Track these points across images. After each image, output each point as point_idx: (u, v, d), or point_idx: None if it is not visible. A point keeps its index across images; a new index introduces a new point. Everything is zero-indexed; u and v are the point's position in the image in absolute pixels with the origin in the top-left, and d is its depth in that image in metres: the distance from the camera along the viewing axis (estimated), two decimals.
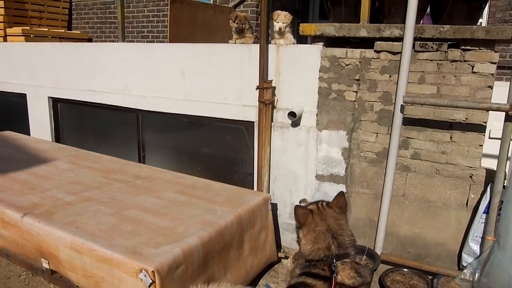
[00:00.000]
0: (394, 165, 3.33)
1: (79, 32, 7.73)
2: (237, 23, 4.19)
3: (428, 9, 3.83)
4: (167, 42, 5.21)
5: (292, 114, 3.60)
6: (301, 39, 3.95)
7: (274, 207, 3.88)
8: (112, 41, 7.30)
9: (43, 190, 3.47)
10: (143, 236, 2.73)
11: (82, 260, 2.65)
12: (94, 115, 5.35)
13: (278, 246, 3.86)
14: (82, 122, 5.60)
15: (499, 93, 3.61)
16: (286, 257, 3.69)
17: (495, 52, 3.10)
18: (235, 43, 4.20)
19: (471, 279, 2.95)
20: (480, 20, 6.26)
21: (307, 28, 3.64)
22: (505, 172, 2.88)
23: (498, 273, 2.78)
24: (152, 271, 2.34)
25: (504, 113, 2.90)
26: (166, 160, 4.76)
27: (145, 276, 2.36)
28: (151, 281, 2.34)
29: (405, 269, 3.28)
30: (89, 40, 7.51)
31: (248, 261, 3.23)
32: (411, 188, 3.38)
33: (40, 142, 5.06)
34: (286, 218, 3.90)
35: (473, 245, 3.09)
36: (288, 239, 3.92)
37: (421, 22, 4.13)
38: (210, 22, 5.63)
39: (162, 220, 2.99)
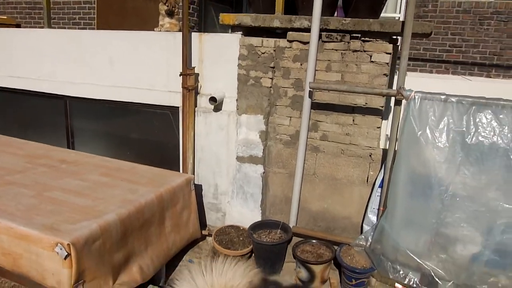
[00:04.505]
0: (304, 146, 3.65)
1: (6, 17, 7.42)
2: (167, 6, 4.30)
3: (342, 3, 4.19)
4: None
5: (213, 99, 3.82)
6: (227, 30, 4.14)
7: (199, 188, 4.10)
8: (42, 27, 7.10)
9: None
10: (63, 215, 2.84)
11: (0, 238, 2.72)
12: (21, 102, 5.26)
13: (204, 224, 4.09)
14: (7, 110, 5.48)
15: (418, 83, 3.93)
16: (210, 235, 3.92)
17: (390, 43, 3.46)
18: (160, 30, 4.33)
19: (365, 244, 3.35)
20: (398, 15, 6.79)
21: (226, 18, 3.85)
22: (395, 151, 3.27)
23: (386, 239, 3.18)
24: (68, 244, 2.46)
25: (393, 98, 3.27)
26: (95, 146, 4.82)
27: (60, 249, 2.48)
28: (66, 253, 2.47)
29: (314, 240, 3.63)
30: (17, 26, 7.24)
31: (170, 238, 3.42)
32: (320, 167, 3.72)
33: None
34: (210, 198, 4.14)
35: (372, 216, 3.48)
36: (213, 217, 4.16)
37: (335, 14, 4.49)
38: (141, 10, 5.69)
39: (84, 200, 3.10)
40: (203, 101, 4.03)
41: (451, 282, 2.92)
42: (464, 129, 2.91)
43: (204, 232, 3.92)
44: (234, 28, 3.93)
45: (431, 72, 6.43)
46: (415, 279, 3.04)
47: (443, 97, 2.99)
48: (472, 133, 2.89)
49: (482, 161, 2.86)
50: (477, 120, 2.89)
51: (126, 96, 4.37)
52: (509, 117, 2.82)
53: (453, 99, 2.96)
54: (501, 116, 2.84)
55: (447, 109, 2.97)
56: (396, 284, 3.32)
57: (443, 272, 2.95)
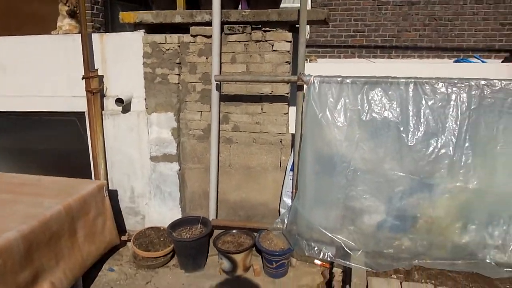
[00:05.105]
0: (217, 139, 3.67)
1: None
2: (68, 6, 4.06)
3: None
4: None
5: (119, 101, 3.70)
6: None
7: (114, 193, 3.97)
8: None
9: None
10: None
11: None
12: None
13: (123, 230, 3.98)
14: None
15: (328, 68, 4.03)
16: (130, 240, 3.81)
17: (289, 32, 3.57)
18: (58, 33, 4.10)
19: (282, 227, 3.46)
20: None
21: (126, 16, 3.74)
22: (301, 134, 3.39)
23: (300, 219, 3.31)
24: None
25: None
26: None
27: None
28: None
29: (234, 230, 3.68)
30: None
31: (84, 248, 3.28)
32: (235, 157, 3.76)
33: None
34: (127, 202, 4.02)
35: (287, 199, 3.60)
36: (132, 222, 4.06)
37: (240, 7, 4.54)
38: (40, 14, 5.34)
39: None
40: (110, 103, 3.89)
41: (361, 251, 3.10)
42: (359, 107, 3.10)
43: (123, 238, 3.81)
44: (136, 26, 3.83)
45: (339, 57, 6.74)
46: (329, 253, 3.20)
47: (339, 79, 3.16)
48: (366, 111, 3.08)
49: (377, 135, 3.06)
50: (370, 98, 3.09)
51: (27, 106, 4.08)
52: (397, 93, 3.04)
53: (348, 80, 3.14)
54: (390, 92, 3.06)
55: (343, 90, 3.14)
56: (316, 261, 3.48)
57: (353, 243, 3.13)
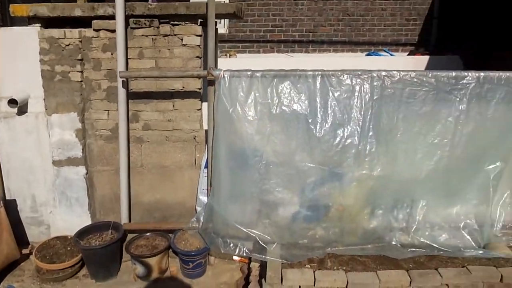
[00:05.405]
0: (126, 139, 3.48)
1: None
2: None
3: None
4: None
5: (13, 102, 3.37)
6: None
7: (13, 203, 3.62)
8: None
9: None
10: None
11: None
12: None
13: (25, 242, 3.64)
14: None
15: (249, 63, 3.95)
16: (32, 253, 3.49)
17: (199, 25, 3.47)
18: None
19: (198, 226, 3.37)
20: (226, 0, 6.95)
21: (18, 9, 3.43)
22: (214, 130, 3.31)
23: (216, 217, 3.25)
24: None
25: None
26: None
27: None
28: None
29: (148, 233, 3.52)
30: None
31: None
32: (147, 157, 3.60)
33: None
34: (28, 211, 3.69)
35: (202, 197, 3.51)
36: (35, 232, 3.73)
37: (150, 1, 4.33)
38: None
39: None
40: (3, 105, 3.52)
41: (276, 244, 3.11)
42: (269, 101, 3.09)
43: (25, 251, 3.49)
44: (31, 20, 3.51)
45: (259, 52, 6.77)
46: (245, 249, 3.17)
47: (249, 73, 3.13)
48: (276, 104, 3.09)
49: (287, 128, 3.09)
50: (279, 91, 3.10)
51: None
52: (305, 86, 3.08)
53: (258, 74, 3.12)
54: (298, 85, 3.09)
55: (254, 84, 3.12)
56: (234, 257, 3.44)
57: (269, 236, 3.14)
